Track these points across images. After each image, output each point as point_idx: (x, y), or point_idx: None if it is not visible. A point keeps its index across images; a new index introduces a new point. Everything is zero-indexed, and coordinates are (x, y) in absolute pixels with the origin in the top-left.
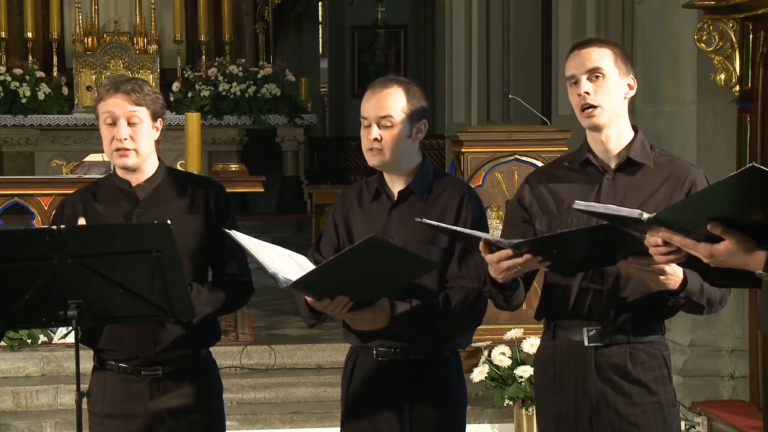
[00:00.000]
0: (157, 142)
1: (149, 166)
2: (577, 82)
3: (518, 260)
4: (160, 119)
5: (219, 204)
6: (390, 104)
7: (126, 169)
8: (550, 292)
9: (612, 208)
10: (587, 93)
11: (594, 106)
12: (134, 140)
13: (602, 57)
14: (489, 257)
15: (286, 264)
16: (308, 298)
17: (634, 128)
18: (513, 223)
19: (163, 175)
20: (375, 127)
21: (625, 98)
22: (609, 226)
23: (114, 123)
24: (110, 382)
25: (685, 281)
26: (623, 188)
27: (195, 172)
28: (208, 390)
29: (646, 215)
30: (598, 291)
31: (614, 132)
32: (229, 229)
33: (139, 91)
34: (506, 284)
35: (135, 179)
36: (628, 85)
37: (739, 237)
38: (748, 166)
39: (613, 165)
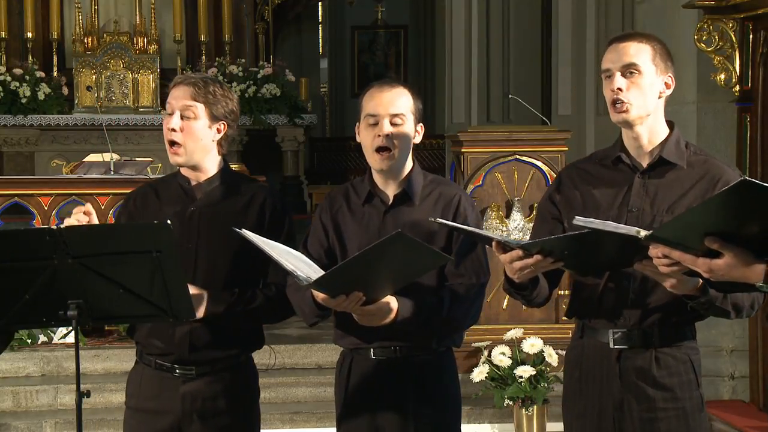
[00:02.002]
0: (219, 144)
1: (210, 165)
2: (611, 77)
3: (529, 261)
4: (223, 122)
5: (275, 213)
6: (400, 102)
7: (179, 166)
8: (578, 291)
9: (610, 225)
10: (619, 89)
11: (624, 102)
12: (184, 134)
13: (639, 53)
14: (502, 257)
15: (297, 262)
16: (318, 297)
17: (670, 125)
18: (543, 218)
19: (223, 176)
20: (387, 123)
21: (660, 97)
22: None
23: (172, 113)
24: (146, 377)
25: (704, 285)
26: (654, 188)
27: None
28: (243, 396)
29: (643, 233)
30: (624, 292)
31: (647, 130)
32: (284, 242)
33: (203, 87)
34: (523, 284)
35: (195, 177)
36: (665, 83)
37: (737, 251)
38: (739, 180)
39: (645, 163)
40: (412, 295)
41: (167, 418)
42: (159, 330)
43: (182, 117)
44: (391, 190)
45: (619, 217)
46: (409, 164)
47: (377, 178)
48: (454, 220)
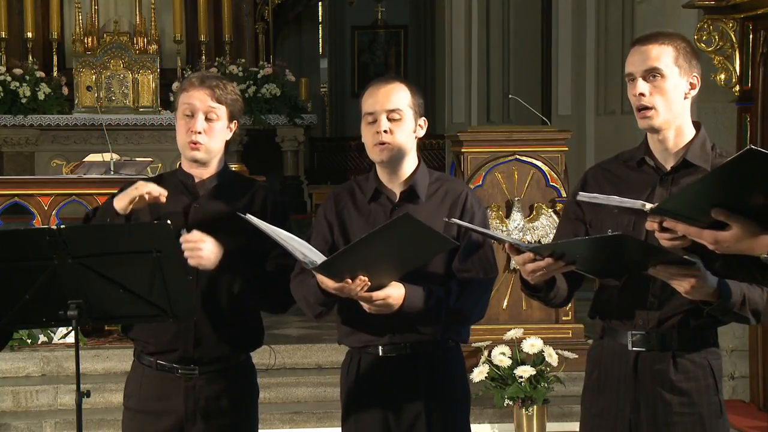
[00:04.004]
0: (227, 142)
1: (216, 163)
2: (634, 80)
3: (541, 263)
4: (235, 121)
5: (276, 208)
6: (397, 98)
7: (195, 162)
8: (600, 292)
9: (615, 200)
10: (642, 94)
11: (649, 108)
12: (207, 135)
13: (662, 56)
14: (515, 259)
15: (300, 247)
16: (323, 283)
17: (697, 126)
18: (567, 218)
19: (225, 174)
20: (384, 119)
21: (685, 98)
22: (622, 236)
23: (192, 115)
24: (147, 378)
25: (719, 292)
26: (677, 190)
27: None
28: (244, 395)
29: (648, 206)
30: (643, 295)
31: (672, 133)
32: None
33: (223, 88)
34: (538, 286)
35: (198, 174)
36: (690, 83)
37: (744, 222)
38: (746, 149)
39: (669, 166)
40: (420, 283)
41: (170, 418)
42: (161, 329)
43: (206, 119)
44: (397, 188)
45: (640, 219)
46: (414, 162)
47: (382, 176)
48: (461, 218)
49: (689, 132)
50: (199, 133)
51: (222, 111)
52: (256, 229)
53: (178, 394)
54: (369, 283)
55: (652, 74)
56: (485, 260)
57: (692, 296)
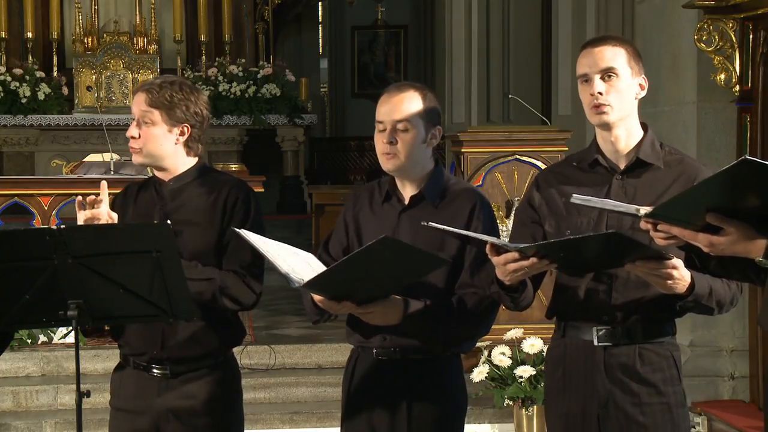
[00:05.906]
0: (186, 145)
1: (177, 166)
2: (589, 81)
3: (525, 263)
4: (185, 125)
5: (237, 206)
6: (406, 108)
7: (142, 166)
8: (560, 291)
9: (609, 203)
10: (600, 93)
11: (605, 105)
12: (142, 141)
13: (616, 56)
14: (495, 259)
15: (296, 262)
16: (315, 297)
17: (644, 127)
18: (522, 222)
19: (194, 175)
20: (392, 130)
21: (636, 98)
22: (616, 234)
23: (135, 119)
24: (126, 376)
25: (692, 285)
26: (633, 188)
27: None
28: (222, 396)
29: (642, 210)
30: (606, 291)
31: (623, 132)
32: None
33: (157, 93)
34: (513, 286)
35: (164, 176)
36: (640, 85)
37: (739, 225)
38: (740, 159)
39: (622, 165)
40: (423, 299)
41: (145, 418)
42: (133, 329)
43: (142, 123)
44: (408, 191)
45: (600, 219)
46: (427, 166)
47: (396, 179)
48: (469, 224)
49: (639, 132)
50: (132, 137)
51: (156, 116)
52: (219, 232)
53: (152, 393)
54: (354, 307)
55: (607, 74)
56: (494, 275)
57: (668, 291)
